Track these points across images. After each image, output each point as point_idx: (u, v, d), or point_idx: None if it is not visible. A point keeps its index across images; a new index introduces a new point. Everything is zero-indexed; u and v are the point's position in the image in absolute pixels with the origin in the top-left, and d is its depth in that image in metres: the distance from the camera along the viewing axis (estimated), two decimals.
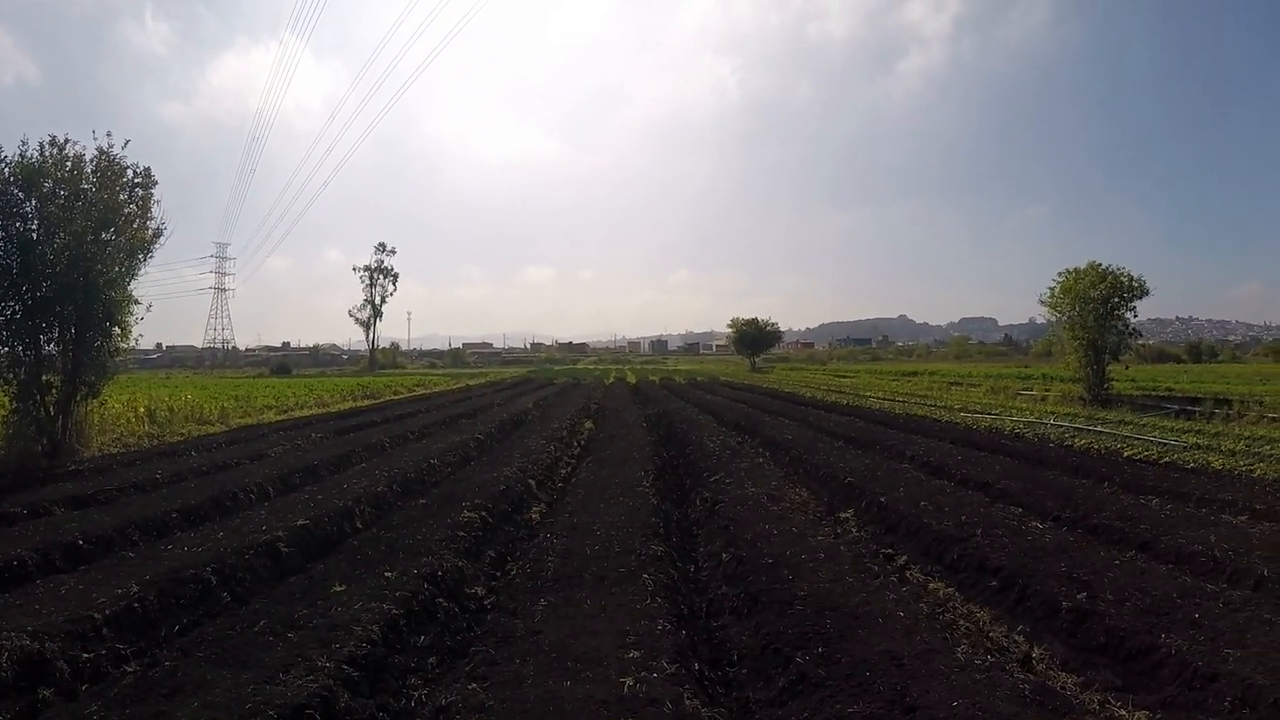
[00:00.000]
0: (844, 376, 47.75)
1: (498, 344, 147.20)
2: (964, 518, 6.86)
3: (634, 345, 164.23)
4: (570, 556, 5.41)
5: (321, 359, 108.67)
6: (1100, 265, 24.49)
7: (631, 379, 45.93)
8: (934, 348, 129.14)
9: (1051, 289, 25.30)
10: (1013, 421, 17.55)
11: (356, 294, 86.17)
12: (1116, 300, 23.65)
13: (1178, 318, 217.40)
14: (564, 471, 10.92)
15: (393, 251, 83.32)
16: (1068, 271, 24.90)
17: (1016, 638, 4.53)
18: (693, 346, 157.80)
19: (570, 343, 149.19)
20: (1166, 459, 11.54)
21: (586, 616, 4.34)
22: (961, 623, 4.67)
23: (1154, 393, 24.85)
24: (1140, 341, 29.90)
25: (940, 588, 5.55)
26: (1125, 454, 12.25)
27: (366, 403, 27.53)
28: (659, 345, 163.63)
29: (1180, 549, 5.94)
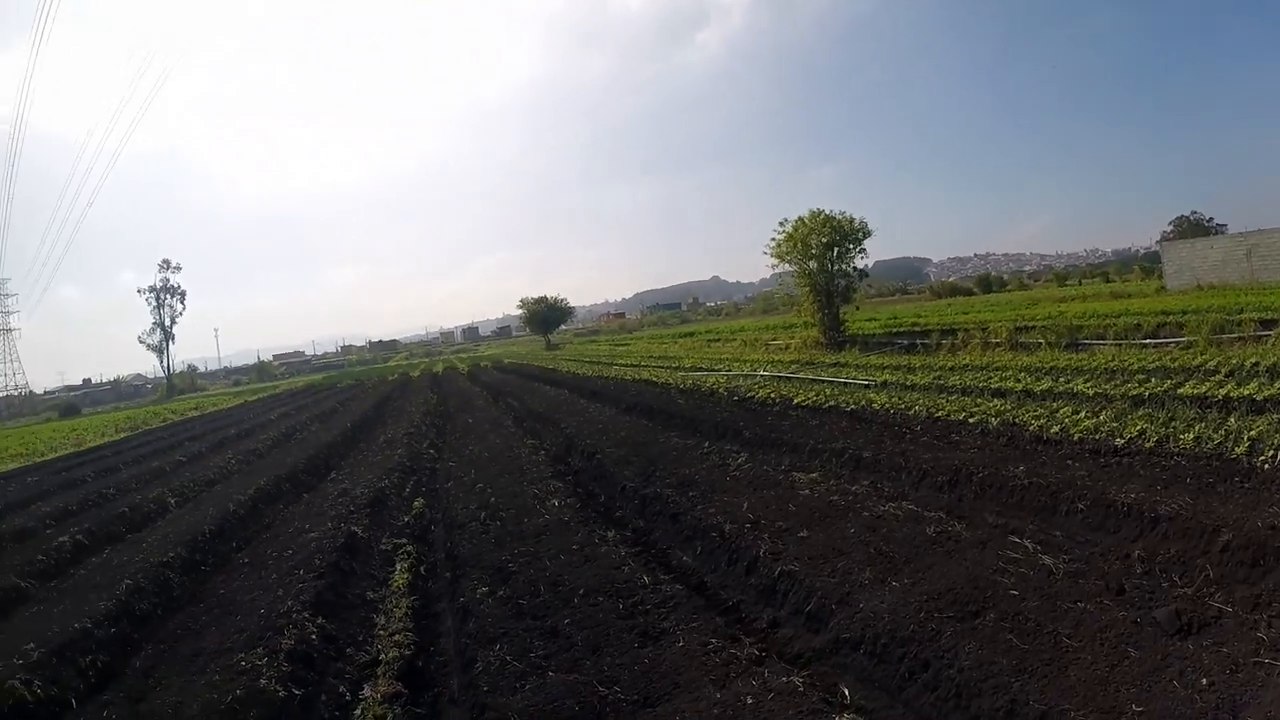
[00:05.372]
0: (621, 345, 47.93)
1: (310, 351, 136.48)
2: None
3: (447, 336, 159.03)
4: None
5: (124, 391, 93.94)
6: (822, 212, 22.95)
7: (415, 374, 42.64)
8: (743, 304, 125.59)
9: (775, 239, 23.57)
10: (724, 377, 17.29)
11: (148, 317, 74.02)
12: (844, 246, 22.67)
13: (975, 254, 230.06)
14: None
15: (178, 268, 73.03)
16: (792, 221, 23.24)
17: None
18: (504, 330, 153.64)
19: (381, 340, 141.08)
20: (831, 403, 11.01)
21: None
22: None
23: (896, 330, 24.11)
24: (865, 283, 29.19)
25: None
26: (797, 400, 11.78)
27: (124, 435, 27.56)
28: (470, 333, 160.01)
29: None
